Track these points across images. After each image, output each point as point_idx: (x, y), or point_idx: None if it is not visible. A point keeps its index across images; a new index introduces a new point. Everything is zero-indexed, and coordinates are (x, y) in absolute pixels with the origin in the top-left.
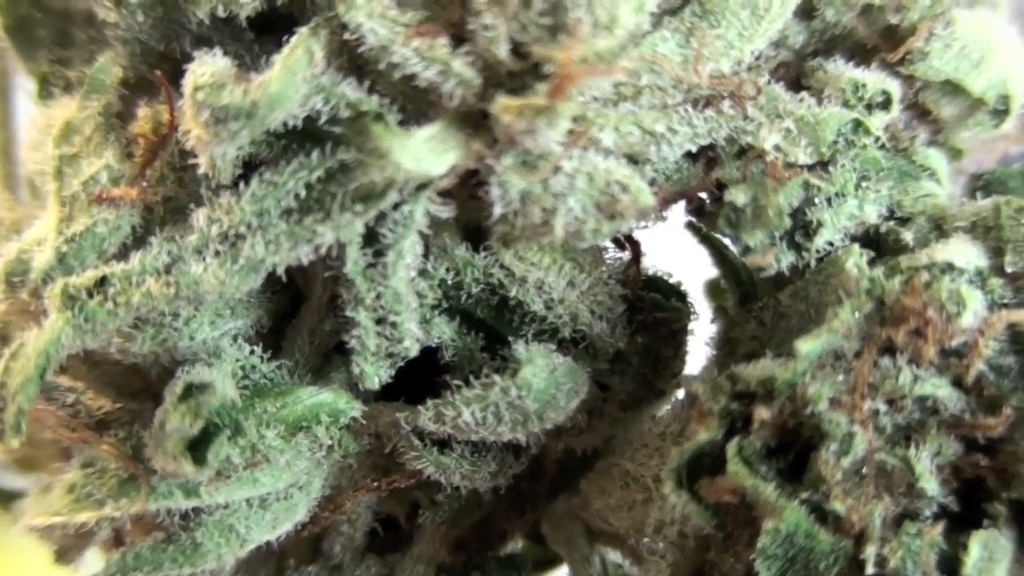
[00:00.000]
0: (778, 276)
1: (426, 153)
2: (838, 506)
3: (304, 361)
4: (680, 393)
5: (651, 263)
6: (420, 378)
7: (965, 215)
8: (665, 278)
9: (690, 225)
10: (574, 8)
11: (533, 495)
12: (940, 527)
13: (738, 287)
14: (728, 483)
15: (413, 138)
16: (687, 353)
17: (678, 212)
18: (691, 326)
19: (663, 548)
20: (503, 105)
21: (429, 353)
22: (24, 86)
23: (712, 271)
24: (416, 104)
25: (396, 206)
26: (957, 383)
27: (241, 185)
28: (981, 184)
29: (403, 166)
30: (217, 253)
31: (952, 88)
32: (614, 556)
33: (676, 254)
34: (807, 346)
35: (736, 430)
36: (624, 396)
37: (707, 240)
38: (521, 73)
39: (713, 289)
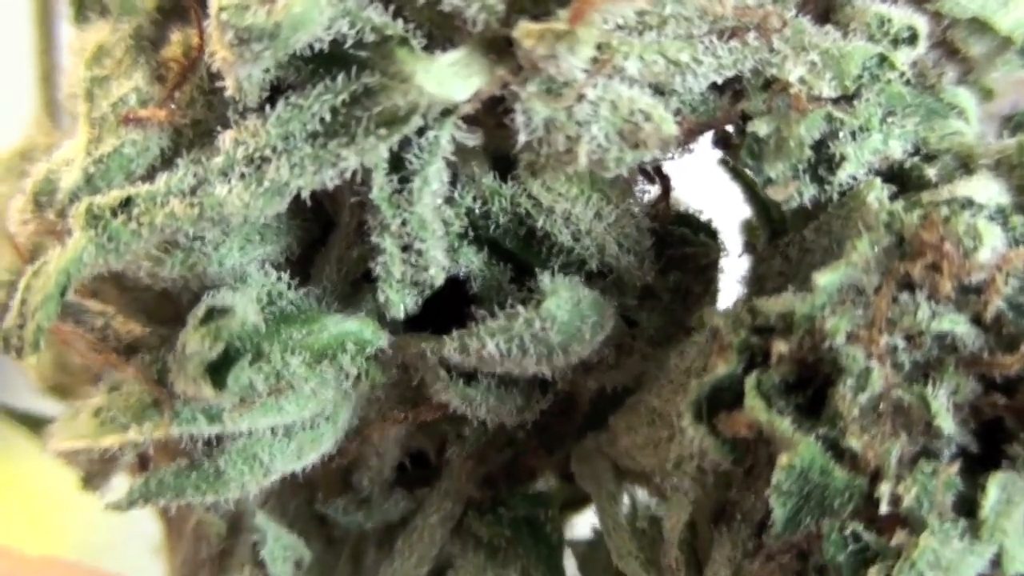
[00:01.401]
0: (807, 211)
1: (450, 78)
2: (854, 443)
3: (332, 289)
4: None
5: (683, 201)
6: (450, 312)
7: (991, 153)
8: (696, 215)
9: (723, 162)
10: None
11: (563, 433)
12: (956, 466)
13: (768, 224)
14: (745, 417)
15: (437, 63)
16: (718, 290)
17: (713, 152)
18: (723, 264)
19: (686, 486)
20: (524, 30)
21: (458, 286)
22: (65, 13)
23: (746, 211)
24: (441, 29)
25: (421, 132)
26: (976, 320)
27: (267, 108)
28: (1012, 125)
29: (427, 90)
30: (242, 176)
31: (980, 26)
32: (643, 496)
33: (709, 195)
34: (825, 279)
35: (755, 364)
36: (653, 332)
37: (739, 176)
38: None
39: (749, 228)
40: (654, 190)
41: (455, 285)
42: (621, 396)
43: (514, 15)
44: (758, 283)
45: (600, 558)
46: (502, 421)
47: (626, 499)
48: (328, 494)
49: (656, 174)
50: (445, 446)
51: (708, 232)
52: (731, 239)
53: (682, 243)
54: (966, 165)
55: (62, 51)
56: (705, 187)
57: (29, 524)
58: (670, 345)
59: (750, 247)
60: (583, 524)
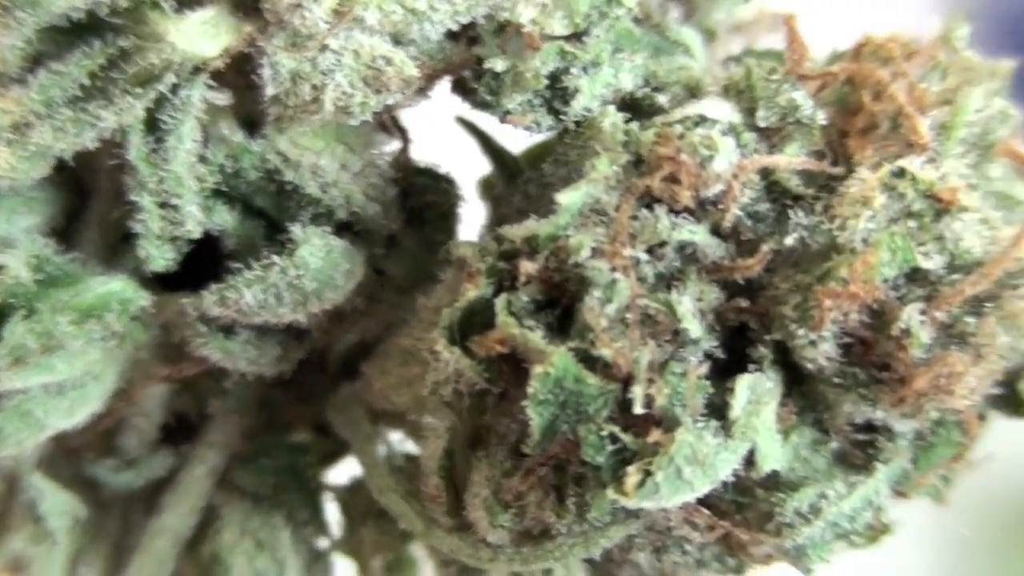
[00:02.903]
0: (541, 153)
1: (200, 35)
2: (605, 352)
3: (94, 251)
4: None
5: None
6: (206, 272)
7: (717, 81)
8: (434, 167)
9: (459, 119)
10: None
11: (317, 385)
12: (704, 368)
13: (504, 169)
14: (498, 335)
15: (188, 20)
16: (458, 237)
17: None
18: (462, 213)
19: (442, 414)
20: None
21: (214, 246)
22: None
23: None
24: None
25: (174, 90)
26: (715, 230)
27: (30, 78)
28: (734, 59)
29: (179, 47)
30: (9, 142)
31: None
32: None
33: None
34: (567, 199)
35: (504, 288)
36: (400, 280)
37: (474, 130)
38: None
39: (484, 184)
40: (394, 142)
41: (209, 247)
42: (370, 347)
43: None
44: (500, 223)
45: (360, 500)
46: (261, 372)
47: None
48: (96, 455)
49: (395, 127)
50: (206, 405)
51: (447, 182)
52: (468, 190)
53: (424, 192)
54: (694, 95)
55: None
56: (440, 146)
57: None
58: (416, 292)
59: (489, 193)
60: (337, 474)
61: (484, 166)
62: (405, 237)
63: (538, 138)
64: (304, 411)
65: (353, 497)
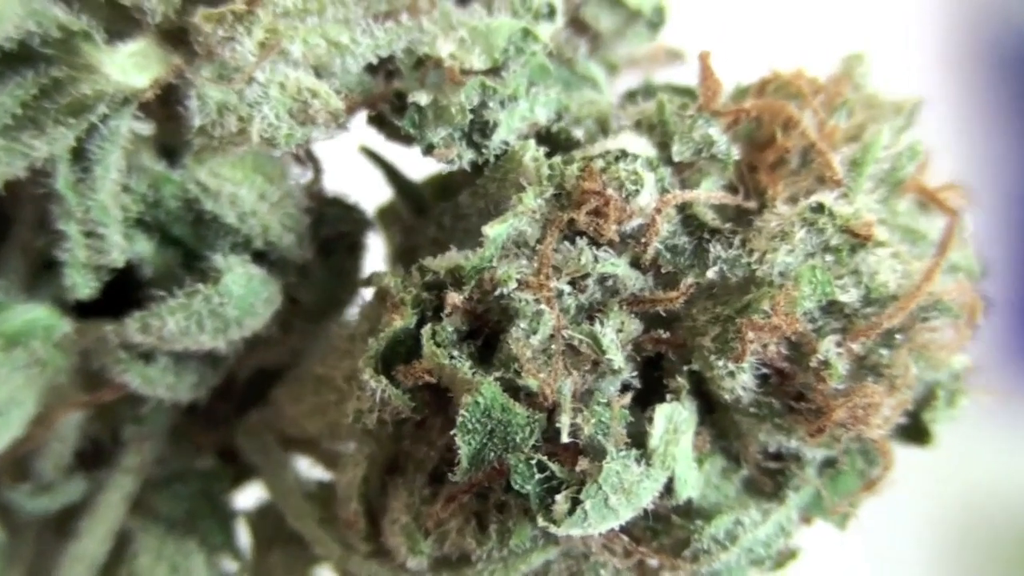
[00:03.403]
0: (448, 187)
1: (131, 67)
2: (530, 382)
3: (18, 279)
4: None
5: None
6: (120, 300)
7: (629, 116)
8: (344, 196)
9: (364, 149)
10: None
11: (224, 411)
12: (627, 398)
13: (411, 201)
14: (425, 365)
15: (119, 53)
16: (363, 268)
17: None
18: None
19: (361, 442)
20: (205, 14)
21: (129, 274)
22: None
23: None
24: (121, 24)
25: (103, 120)
26: (635, 263)
27: None
28: (640, 92)
29: (111, 78)
30: None
31: (610, 2)
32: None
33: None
34: (493, 231)
35: (428, 319)
36: (310, 308)
37: (379, 161)
38: None
39: (383, 214)
40: (307, 173)
41: (130, 276)
42: (275, 374)
43: (189, 6)
44: (410, 253)
45: (269, 525)
46: (178, 399)
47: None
48: (13, 480)
49: (308, 157)
50: (120, 431)
51: (357, 212)
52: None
53: (335, 222)
54: (604, 129)
55: None
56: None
57: None
58: (326, 320)
59: (398, 222)
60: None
61: (380, 194)
62: (316, 266)
63: (436, 168)
64: (212, 437)
65: (263, 522)
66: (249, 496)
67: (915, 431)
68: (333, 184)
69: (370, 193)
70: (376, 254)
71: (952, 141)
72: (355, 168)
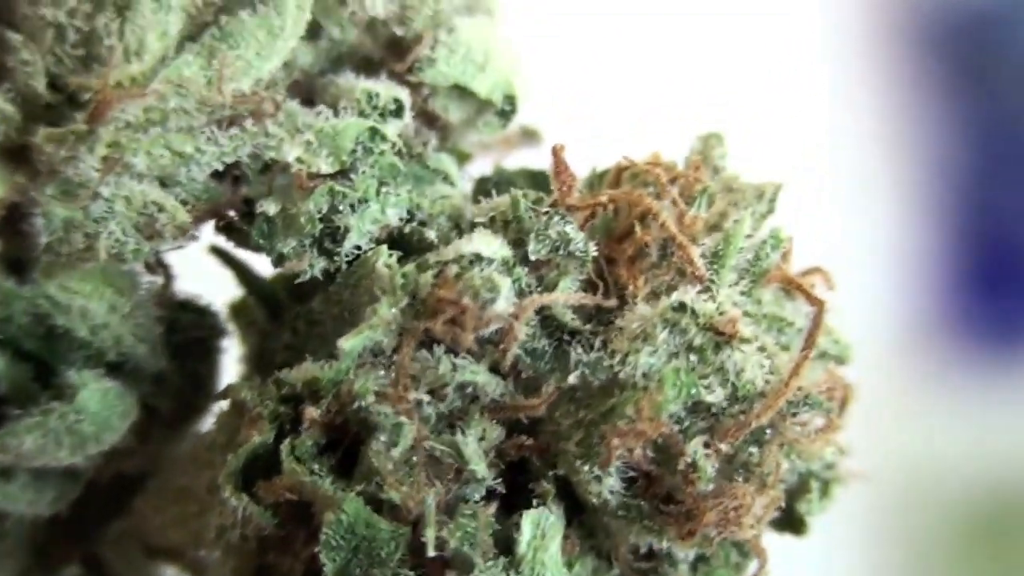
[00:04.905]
0: (303, 288)
1: None
2: (393, 495)
3: None
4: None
5: (180, 288)
6: None
7: (483, 212)
8: (195, 300)
9: (214, 250)
10: (106, 37)
11: (84, 521)
12: (493, 508)
13: (265, 303)
14: (285, 481)
15: None
16: (220, 371)
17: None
18: (223, 344)
19: (225, 555)
20: (46, 134)
21: None
22: None
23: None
24: None
25: None
26: (495, 369)
27: None
28: (489, 187)
29: None
30: None
31: (459, 92)
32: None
33: (203, 280)
34: (349, 343)
35: (287, 432)
36: (168, 416)
37: (230, 262)
38: (59, 105)
39: (236, 310)
40: (157, 279)
41: None
42: (134, 481)
43: (30, 123)
44: (264, 358)
45: None
46: (39, 513)
47: None
48: None
49: (158, 264)
50: None
51: (210, 316)
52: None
53: (187, 328)
54: (459, 225)
55: None
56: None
57: None
58: (183, 426)
59: (251, 327)
60: None
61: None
62: (171, 373)
63: None
64: (76, 547)
65: None
66: None
67: (789, 522)
68: (187, 277)
69: (224, 283)
70: (232, 354)
71: (879, 116)
72: (208, 261)
